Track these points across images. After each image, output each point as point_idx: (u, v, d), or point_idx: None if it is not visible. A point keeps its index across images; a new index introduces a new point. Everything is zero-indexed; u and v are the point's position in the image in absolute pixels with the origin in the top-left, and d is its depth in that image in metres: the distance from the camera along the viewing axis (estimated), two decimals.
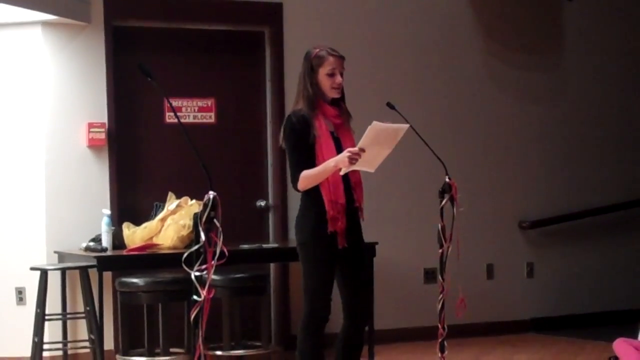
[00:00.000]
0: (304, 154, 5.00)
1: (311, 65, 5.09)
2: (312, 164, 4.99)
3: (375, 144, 4.86)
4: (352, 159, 4.82)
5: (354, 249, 5.09)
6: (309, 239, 5.05)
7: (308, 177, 4.98)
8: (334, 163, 4.90)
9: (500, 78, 8.77)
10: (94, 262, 6.68)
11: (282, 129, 5.11)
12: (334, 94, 5.10)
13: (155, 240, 6.97)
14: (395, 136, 4.96)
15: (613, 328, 7.79)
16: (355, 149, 4.84)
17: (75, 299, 7.15)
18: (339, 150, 5.01)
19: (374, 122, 4.82)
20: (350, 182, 5.07)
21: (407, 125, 5.02)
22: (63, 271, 7.03)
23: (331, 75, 5.07)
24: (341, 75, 5.10)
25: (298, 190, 5.07)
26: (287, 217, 7.87)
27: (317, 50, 5.13)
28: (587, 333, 8.44)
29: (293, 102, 5.17)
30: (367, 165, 4.96)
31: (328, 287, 5.06)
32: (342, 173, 4.92)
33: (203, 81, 7.81)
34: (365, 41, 8.24)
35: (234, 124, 7.89)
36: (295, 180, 5.02)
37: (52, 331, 7.04)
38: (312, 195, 5.02)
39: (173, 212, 7.00)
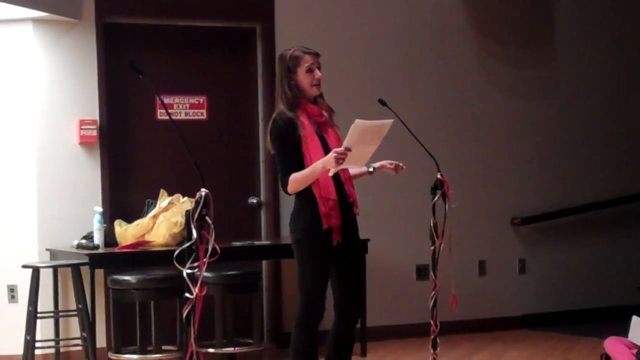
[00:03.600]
0: (292, 157, 5.00)
1: (287, 67, 5.09)
2: (300, 166, 4.98)
3: (361, 141, 4.85)
4: (339, 159, 4.81)
5: (348, 245, 5.09)
6: (304, 237, 5.04)
7: (297, 180, 4.98)
8: (321, 164, 4.89)
9: (492, 73, 8.77)
10: (86, 260, 6.69)
11: (268, 133, 5.11)
12: (315, 91, 5.10)
13: (147, 238, 6.96)
14: (380, 132, 4.95)
15: (605, 324, 7.82)
16: (341, 149, 4.82)
17: (67, 296, 7.14)
18: (325, 148, 5.01)
19: (357, 121, 4.82)
20: (340, 179, 5.07)
21: (391, 121, 5.00)
22: (55, 269, 7.02)
23: (310, 71, 5.07)
24: (319, 70, 5.10)
25: (289, 194, 5.06)
26: (279, 214, 7.87)
27: (291, 51, 5.12)
28: (579, 329, 8.46)
29: (276, 106, 5.15)
30: (355, 163, 4.95)
31: (323, 284, 5.05)
32: (330, 174, 4.90)
33: (194, 78, 7.80)
34: (357, 37, 8.24)
35: (225, 121, 7.89)
36: (284, 184, 5.02)
37: (44, 329, 7.03)
38: (305, 193, 5.02)
39: (165, 209, 6.99)
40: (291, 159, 5.00)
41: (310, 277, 5.04)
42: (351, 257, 5.13)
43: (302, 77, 5.08)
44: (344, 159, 4.81)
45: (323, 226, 4.98)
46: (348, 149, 4.81)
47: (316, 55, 5.12)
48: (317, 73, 5.08)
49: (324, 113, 5.13)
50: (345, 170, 5.08)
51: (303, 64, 5.07)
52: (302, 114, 5.06)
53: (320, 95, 5.16)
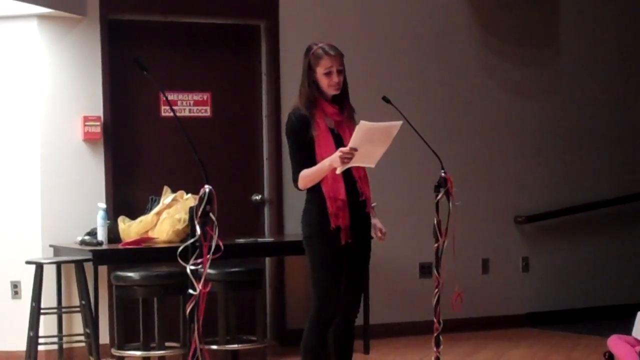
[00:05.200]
0: (304, 153, 5.02)
1: (309, 63, 5.07)
2: (312, 163, 4.99)
3: (368, 142, 4.85)
4: (344, 159, 4.82)
5: (357, 243, 5.09)
6: (314, 234, 5.05)
7: (306, 177, 5.00)
8: (328, 163, 4.91)
9: (496, 72, 8.77)
10: (90, 256, 6.69)
11: (285, 128, 5.13)
12: (332, 92, 5.08)
13: (151, 234, 6.97)
14: (388, 133, 4.95)
15: (608, 323, 7.80)
16: (347, 148, 4.83)
17: (71, 292, 7.14)
18: (339, 146, 4.98)
19: (361, 122, 4.83)
20: (354, 177, 5.07)
21: (400, 122, 4.99)
22: (58, 265, 7.02)
23: (328, 74, 5.05)
24: (340, 72, 5.06)
25: (299, 189, 5.08)
26: (282, 211, 7.87)
27: (316, 47, 5.09)
28: (583, 327, 8.45)
29: (297, 97, 5.14)
30: (365, 162, 4.96)
31: (335, 282, 5.04)
32: (338, 172, 4.91)
33: (199, 75, 7.80)
34: (361, 34, 8.23)
35: (229, 118, 7.88)
36: (295, 179, 5.05)
37: (47, 325, 7.04)
38: (315, 190, 5.03)
39: (169, 205, 6.99)
40: (302, 156, 5.02)
41: (320, 273, 5.04)
42: (358, 255, 5.14)
43: (320, 77, 5.05)
44: (349, 159, 4.82)
45: (331, 225, 4.98)
46: (354, 149, 4.82)
47: (336, 57, 5.06)
48: (334, 77, 5.03)
49: (342, 113, 5.11)
50: (360, 168, 5.07)
51: (322, 66, 5.03)
52: (319, 111, 5.05)
53: (345, 95, 5.13)
